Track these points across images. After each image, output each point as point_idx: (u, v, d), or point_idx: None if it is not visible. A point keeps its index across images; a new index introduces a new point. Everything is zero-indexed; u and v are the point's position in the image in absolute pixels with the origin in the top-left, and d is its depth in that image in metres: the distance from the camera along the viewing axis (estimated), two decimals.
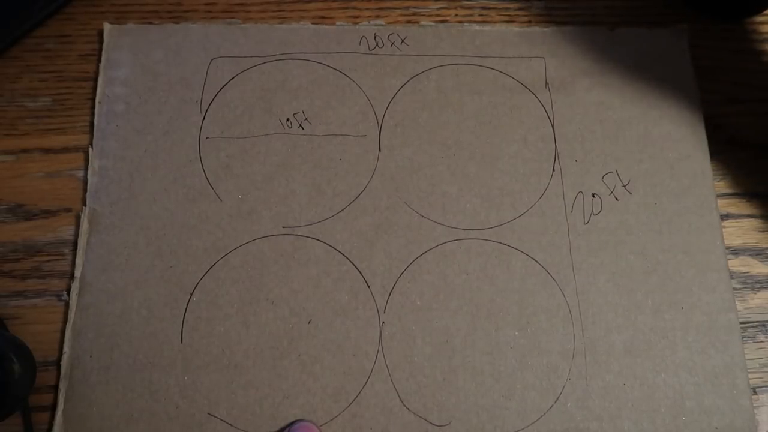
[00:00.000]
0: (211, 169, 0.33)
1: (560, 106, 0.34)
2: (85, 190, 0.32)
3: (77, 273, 0.31)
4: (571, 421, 0.29)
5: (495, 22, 0.36)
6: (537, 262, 0.32)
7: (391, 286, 0.31)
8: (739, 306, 0.32)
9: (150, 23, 0.35)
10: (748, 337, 0.31)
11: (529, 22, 0.36)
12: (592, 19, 0.37)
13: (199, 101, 0.34)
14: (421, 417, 0.29)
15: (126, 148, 0.33)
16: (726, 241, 0.32)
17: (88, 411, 0.29)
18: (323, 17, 0.36)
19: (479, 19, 0.36)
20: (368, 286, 0.31)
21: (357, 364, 0.30)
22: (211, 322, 0.30)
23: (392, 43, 0.35)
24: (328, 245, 0.32)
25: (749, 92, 0.36)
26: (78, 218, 0.32)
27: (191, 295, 0.31)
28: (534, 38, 0.36)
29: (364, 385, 0.30)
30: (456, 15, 0.36)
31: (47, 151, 0.33)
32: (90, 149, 0.33)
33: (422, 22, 0.36)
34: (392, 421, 0.29)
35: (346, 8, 0.36)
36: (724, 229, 0.33)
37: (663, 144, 0.34)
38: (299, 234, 0.32)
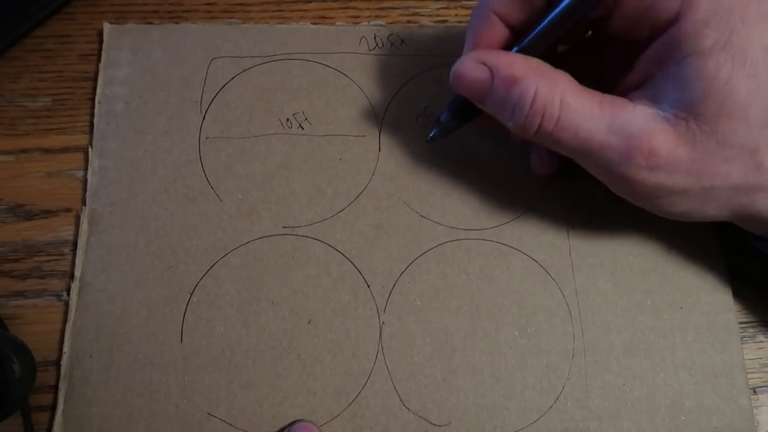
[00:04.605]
0: (211, 169, 0.33)
1: None
2: (85, 190, 0.32)
3: (77, 273, 0.31)
4: (571, 420, 0.29)
5: None
6: (537, 262, 0.32)
7: (391, 286, 0.31)
8: (739, 306, 0.32)
9: (150, 23, 0.35)
10: (748, 337, 0.31)
11: None
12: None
13: (199, 101, 0.34)
14: (421, 417, 0.29)
15: (126, 148, 0.33)
16: (725, 242, 0.32)
17: (88, 411, 0.29)
18: (323, 17, 0.36)
19: None
20: (368, 286, 0.31)
21: (357, 364, 0.30)
22: (211, 322, 0.30)
23: (392, 44, 0.35)
24: (328, 245, 0.32)
25: None
26: (78, 218, 0.32)
27: (191, 295, 0.31)
28: None
29: (364, 385, 0.30)
30: (456, 15, 0.36)
31: (47, 151, 0.33)
32: (90, 149, 0.33)
33: (422, 23, 0.36)
34: (392, 421, 0.29)
35: (346, 8, 0.36)
36: (723, 229, 0.33)
37: None
38: (299, 234, 0.32)
